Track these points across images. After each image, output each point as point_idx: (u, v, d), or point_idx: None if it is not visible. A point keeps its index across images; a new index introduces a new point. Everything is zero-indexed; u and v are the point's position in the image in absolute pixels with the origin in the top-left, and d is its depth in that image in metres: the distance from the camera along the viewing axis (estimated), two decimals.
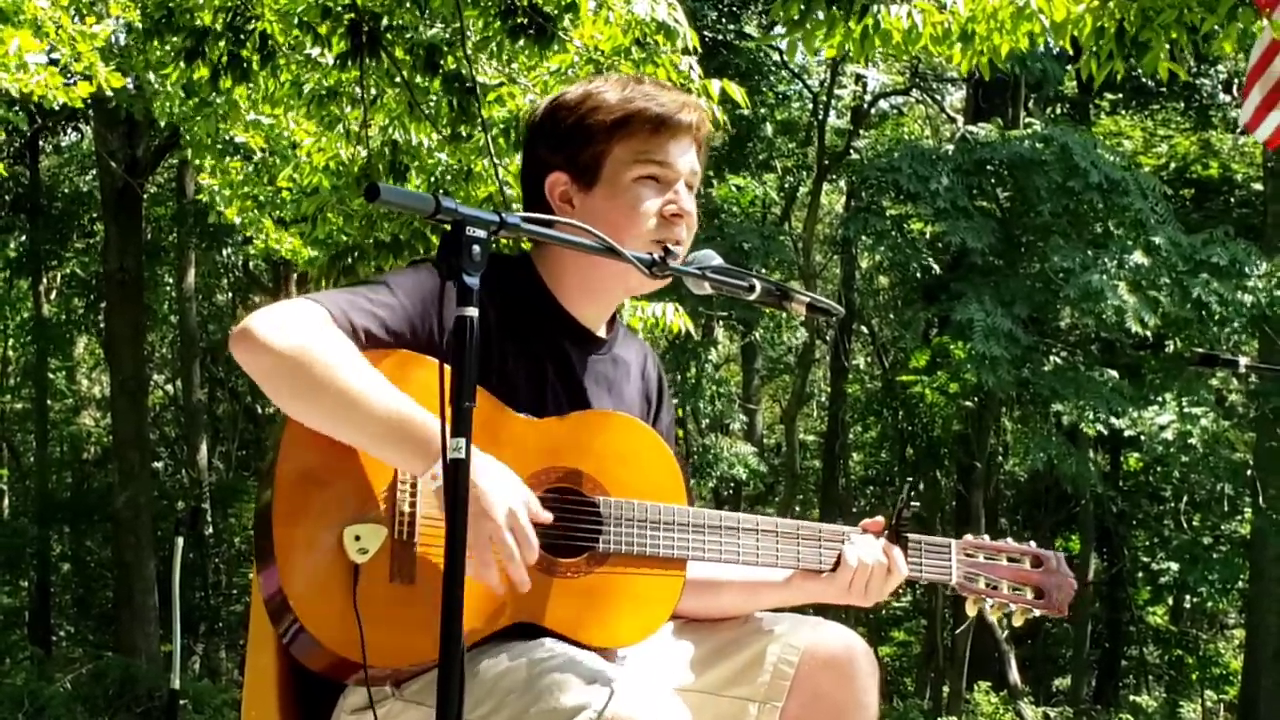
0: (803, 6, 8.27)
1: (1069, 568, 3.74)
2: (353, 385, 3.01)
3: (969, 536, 3.70)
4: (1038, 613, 3.69)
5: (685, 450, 26.92)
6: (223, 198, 15.08)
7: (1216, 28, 8.32)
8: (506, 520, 2.99)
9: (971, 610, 3.71)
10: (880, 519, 3.58)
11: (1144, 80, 25.26)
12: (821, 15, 8.26)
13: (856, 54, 8.67)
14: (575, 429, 3.30)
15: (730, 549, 3.39)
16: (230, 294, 32.39)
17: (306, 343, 3.02)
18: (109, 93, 11.25)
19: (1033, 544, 3.73)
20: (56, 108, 11.05)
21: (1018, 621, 3.71)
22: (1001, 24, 8.67)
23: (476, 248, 2.73)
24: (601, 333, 3.51)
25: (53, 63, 10.82)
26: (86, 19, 11.08)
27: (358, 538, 3.05)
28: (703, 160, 3.50)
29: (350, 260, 11.06)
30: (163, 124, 14.48)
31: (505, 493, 3.01)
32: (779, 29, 8.59)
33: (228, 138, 14.22)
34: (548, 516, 3.10)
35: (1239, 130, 23.99)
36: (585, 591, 3.24)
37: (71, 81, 10.97)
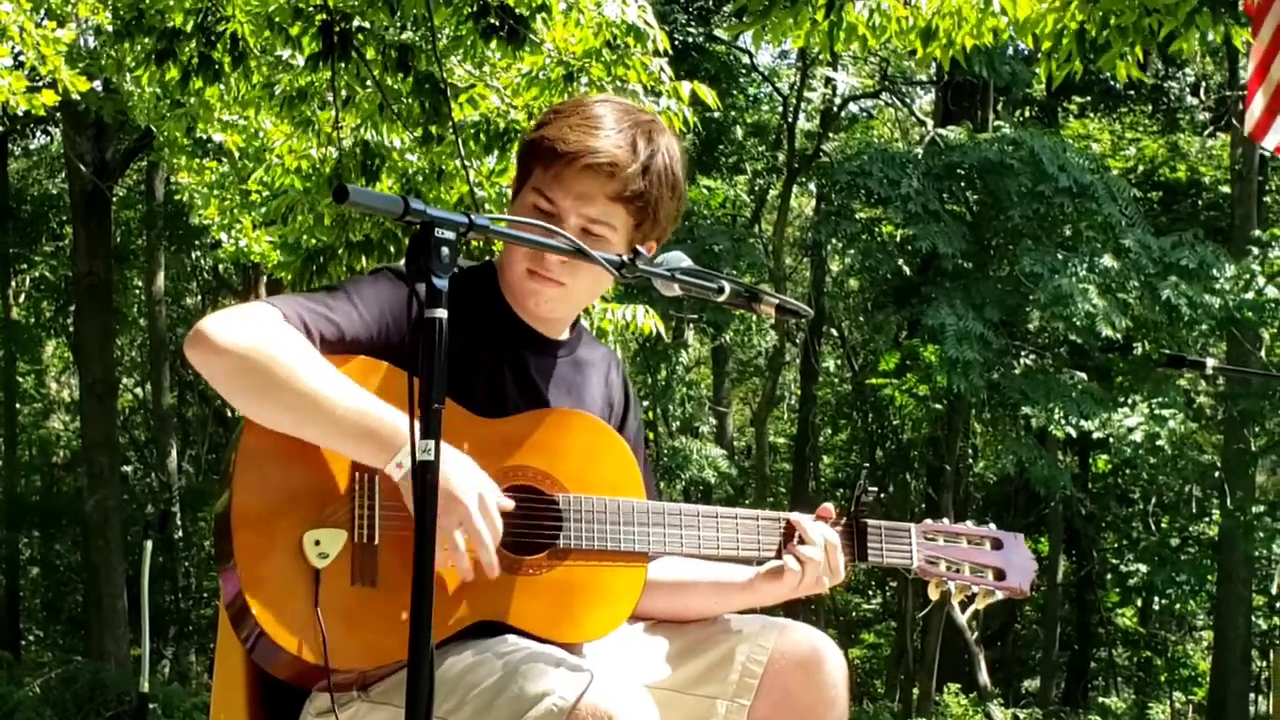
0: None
1: (1029, 549, 3.75)
2: (312, 382, 3.01)
3: (928, 520, 3.70)
4: (1000, 595, 3.69)
5: (656, 453, 26.94)
6: (202, 196, 15.06)
7: (1178, 30, 8.36)
8: (476, 505, 3.01)
9: (934, 594, 3.70)
10: (831, 505, 3.58)
11: (1112, 83, 25.36)
12: (786, 6, 8.28)
13: (823, 47, 8.70)
14: (533, 428, 3.32)
15: (690, 540, 3.41)
16: (200, 297, 32.33)
17: (262, 342, 3.03)
18: (75, 96, 11.24)
19: (992, 526, 3.74)
20: (20, 114, 11.05)
21: (981, 604, 3.70)
22: (965, 20, 8.71)
23: (445, 249, 2.73)
24: (561, 336, 3.51)
25: (18, 66, 10.80)
26: (49, 24, 11.06)
27: (318, 542, 3.05)
28: (635, 213, 3.37)
29: (322, 261, 11.06)
30: (140, 124, 14.47)
31: (472, 480, 3.04)
32: (746, 20, 8.56)
33: (203, 138, 14.21)
34: (509, 503, 3.12)
35: (1242, 134, 24.11)
36: (548, 588, 3.25)
37: (36, 86, 10.95)
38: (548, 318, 3.43)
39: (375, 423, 3.01)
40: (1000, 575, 3.68)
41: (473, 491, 3.02)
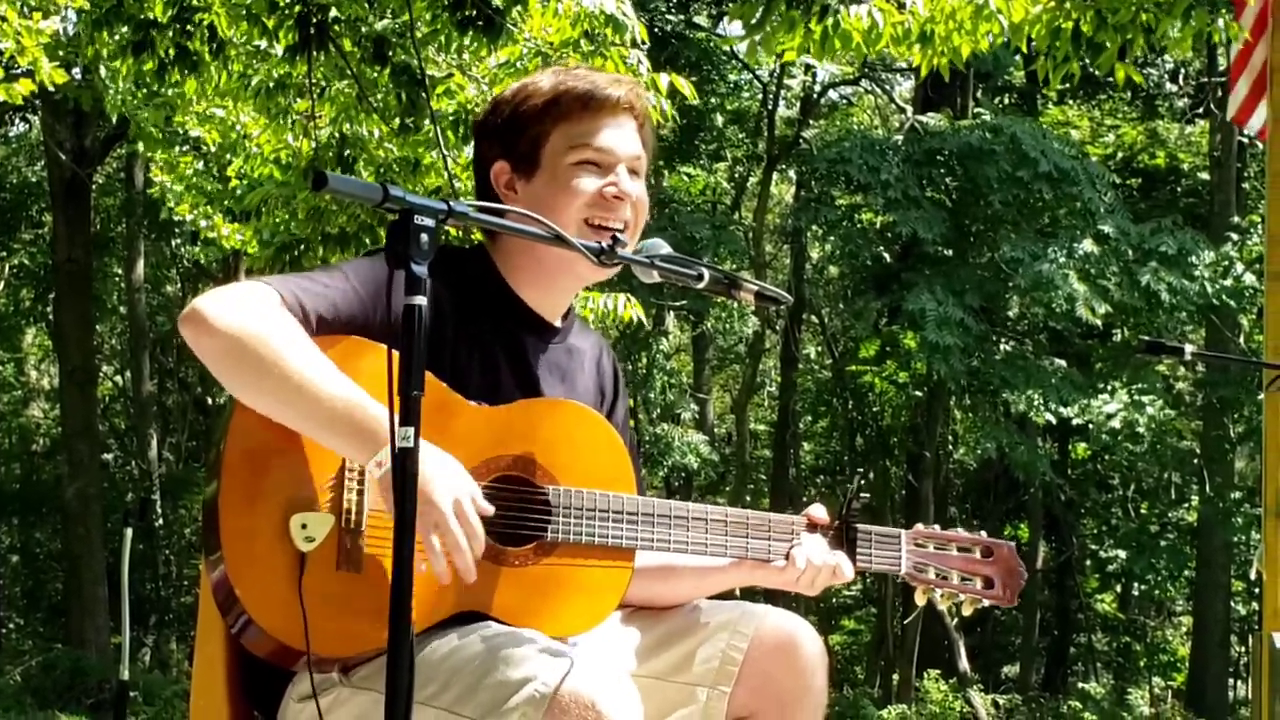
0: (762, 8, 8.27)
1: (1019, 557, 3.76)
2: (300, 370, 3.00)
3: (919, 526, 3.69)
4: (987, 603, 3.69)
5: (637, 440, 26.94)
6: (174, 193, 15.00)
7: (1173, 31, 8.36)
8: (453, 508, 2.99)
9: (921, 600, 3.71)
10: (824, 510, 3.59)
11: (1092, 70, 25.43)
12: (780, 17, 8.25)
13: (817, 55, 8.64)
14: (526, 416, 3.30)
15: (679, 539, 3.39)
16: (179, 284, 32.25)
17: (255, 326, 3.02)
18: (51, 88, 11.20)
19: (983, 534, 3.73)
20: None
21: (967, 611, 3.71)
22: (961, 24, 8.69)
23: (425, 236, 2.73)
24: (557, 322, 3.51)
25: None
26: (34, 15, 11.01)
27: (304, 526, 3.05)
28: (647, 139, 3.50)
29: (296, 253, 11.04)
30: (113, 118, 14.43)
31: (452, 482, 3.01)
32: (736, 28, 8.54)
33: (180, 131, 14.15)
34: (490, 509, 3.09)
35: (1221, 121, 24.15)
36: (533, 581, 3.24)
37: (13, 75, 10.91)
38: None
39: (359, 418, 2.99)
40: (988, 584, 3.68)
41: (449, 495, 2.99)
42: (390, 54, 9.41)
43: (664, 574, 3.53)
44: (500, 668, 2.98)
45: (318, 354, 3.06)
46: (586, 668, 2.97)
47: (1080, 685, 29.02)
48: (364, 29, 9.48)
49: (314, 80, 9.98)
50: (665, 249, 3.23)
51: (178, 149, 14.88)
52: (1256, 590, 25.79)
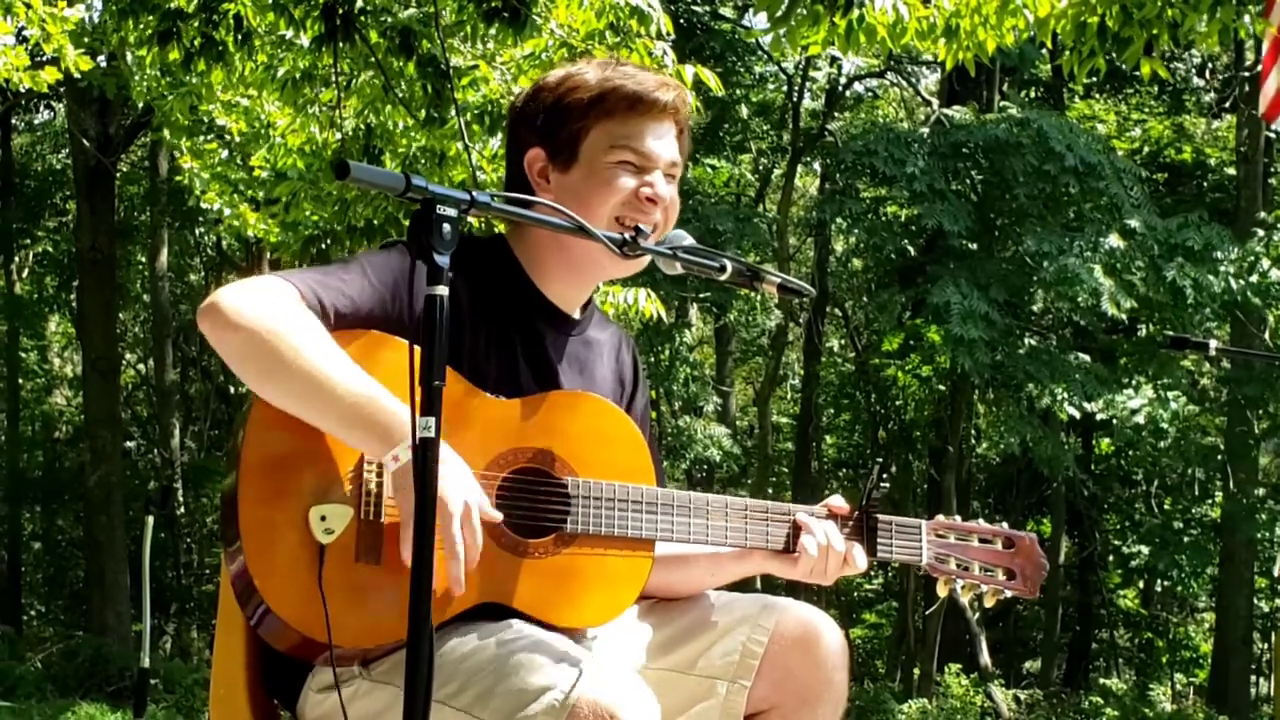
0: (787, 1, 8.25)
1: (1041, 549, 3.74)
2: (318, 366, 2.99)
3: (940, 517, 3.68)
4: (1009, 594, 3.67)
5: (659, 432, 26.94)
6: (201, 180, 15.01)
7: (1200, 25, 8.35)
8: (460, 513, 2.97)
9: (943, 591, 3.69)
10: (845, 503, 3.57)
11: (1119, 64, 25.34)
12: (804, 10, 8.24)
13: (842, 49, 8.65)
14: (545, 409, 3.30)
15: (699, 529, 3.39)
16: (203, 273, 32.30)
17: (273, 321, 3.01)
18: (77, 75, 11.21)
19: (1005, 525, 3.72)
20: (22, 90, 11.03)
21: (989, 602, 3.69)
22: (986, 19, 8.68)
23: (446, 226, 2.72)
24: (576, 314, 3.50)
25: (22, 41, 10.78)
26: (58, 1, 11.04)
27: (323, 518, 3.04)
28: (684, 146, 3.49)
29: (325, 245, 11.05)
30: (139, 105, 14.44)
31: (460, 487, 2.99)
32: (761, 21, 8.52)
33: (206, 120, 14.17)
34: (498, 516, 3.09)
35: (1248, 116, 24.08)
36: (553, 572, 3.23)
37: (39, 62, 10.94)
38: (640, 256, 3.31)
39: (375, 414, 2.98)
40: (1010, 575, 3.66)
41: (458, 500, 2.96)
42: (416, 45, 9.40)
43: (678, 563, 3.53)
44: (519, 673, 2.96)
45: (335, 349, 3.05)
46: (605, 674, 2.96)
47: (1102, 681, 28.98)
48: (390, 20, 9.48)
49: (340, 71, 9.98)
50: (688, 240, 3.22)
51: (202, 137, 14.89)
52: (1279, 587, 25.77)
